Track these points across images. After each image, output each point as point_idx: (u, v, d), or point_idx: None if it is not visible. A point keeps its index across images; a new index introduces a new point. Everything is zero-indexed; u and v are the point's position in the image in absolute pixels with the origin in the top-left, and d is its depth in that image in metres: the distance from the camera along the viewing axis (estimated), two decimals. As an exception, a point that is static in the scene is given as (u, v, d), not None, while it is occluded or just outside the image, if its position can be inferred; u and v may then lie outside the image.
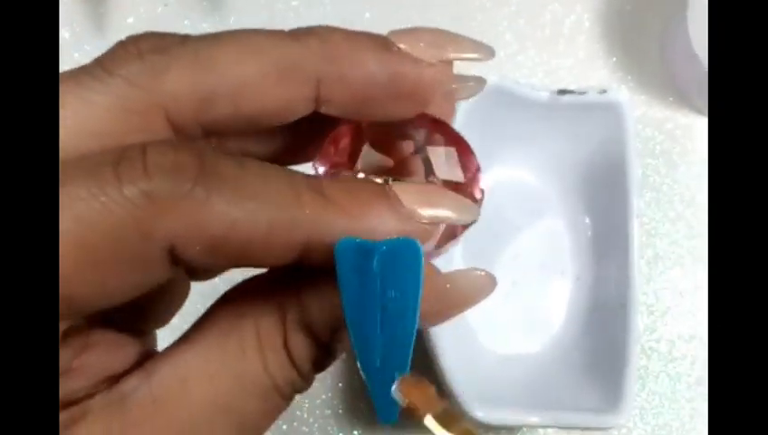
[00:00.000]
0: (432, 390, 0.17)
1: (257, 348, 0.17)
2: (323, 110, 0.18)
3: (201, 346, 0.17)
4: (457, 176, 0.20)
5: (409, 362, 0.17)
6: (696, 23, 0.39)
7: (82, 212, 0.15)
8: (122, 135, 0.17)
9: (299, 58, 0.18)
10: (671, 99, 0.44)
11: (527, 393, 0.36)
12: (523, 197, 0.40)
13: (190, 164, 0.16)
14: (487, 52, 0.19)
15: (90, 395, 0.17)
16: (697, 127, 0.43)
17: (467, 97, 0.20)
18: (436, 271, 0.18)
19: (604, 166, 0.38)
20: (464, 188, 0.20)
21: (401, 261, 0.16)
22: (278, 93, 0.18)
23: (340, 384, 0.40)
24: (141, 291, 0.17)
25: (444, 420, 0.16)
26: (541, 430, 0.40)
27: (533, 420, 0.34)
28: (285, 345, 0.17)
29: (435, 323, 0.19)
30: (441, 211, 0.18)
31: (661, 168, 0.43)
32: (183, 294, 0.22)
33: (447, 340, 0.33)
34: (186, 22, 0.44)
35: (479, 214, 0.19)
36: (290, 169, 0.17)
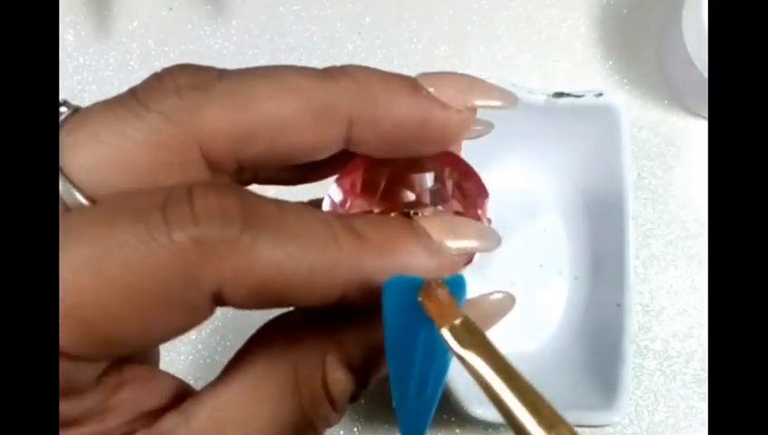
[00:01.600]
0: (451, 300, 0.16)
1: (295, 391, 0.17)
2: (350, 148, 0.19)
3: (237, 390, 0.17)
4: (465, 206, 0.20)
5: (440, 392, 0.17)
6: (690, 26, 0.40)
7: (131, 257, 0.15)
8: (157, 171, 0.17)
9: (334, 99, 0.18)
10: (666, 101, 0.44)
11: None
12: (520, 198, 0.41)
13: (236, 209, 0.16)
14: (512, 100, 0.20)
15: (127, 434, 0.17)
16: (692, 129, 0.44)
17: (473, 138, 0.20)
18: None
19: (600, 168, 0.38)
20: (474, 217, 0.20)
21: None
22: (313, 133, 0.18)
23: (341, 382, 0.40)
24: (183, 332, 0.17)
25: (459, 335, 0.16)
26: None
27: (531, 417, 0.34)
28: (324, 385, 0.18)
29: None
30: (467, 242, 0.18)
31: (656, 169, 0.43)
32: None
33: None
34: (189, 25, 0.44)
35: (500, 241, 0.19)
36: (321, 211, 0.18)
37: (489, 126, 0.21)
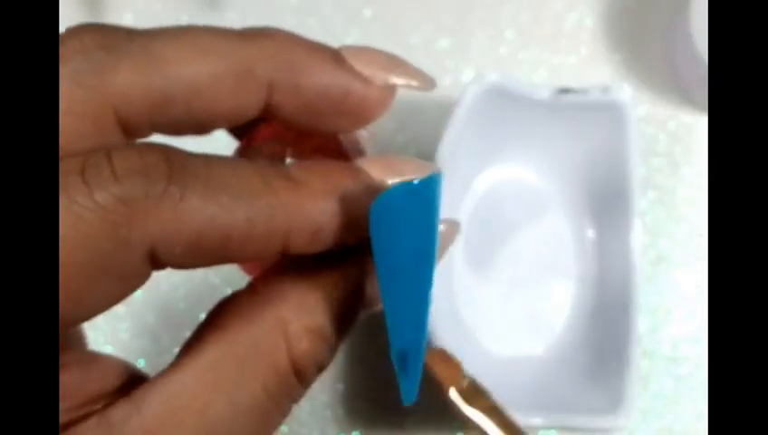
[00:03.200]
0: (458, 364, 0.16)
1: (254, 368, 0.17)
2: (268, 115, 0.18)
3: (194, 373, 0.17)
4: None
5: (427, 332, 0.17)
6: (697, 20, 0.39)
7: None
8: (70, 141, 0.16)
9: (254, 62, 0.17)
10: (674, 97, 0.43)
11: (530, 395, 0.36)
12: (524, 196, 0.40)
13: (160, 164, 0.15)
14: (430, 83, 0.20)
15: (73, 421, 0.16)
16: (700, 126, 0.43)
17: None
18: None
19: (606, 165, 0.38)
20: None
21: (423, 202, 0.16)
22: (232, 97, 0.17)
23: (340, 386, 0.40)
24: (121, 299, 0.16)
25: (468, 395, 0.16)
26: (543, 432, 0.40)
27: (536, 421, 0.34)
28: (289, 358, 0.17)
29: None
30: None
31: (664, 167, 0.43)
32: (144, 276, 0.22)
33: (450, 342, 0.33)
34: (184, 18, 0.43)
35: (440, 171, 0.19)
36: (254, 161, 0.17)
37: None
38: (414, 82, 0.19)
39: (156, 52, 0.17)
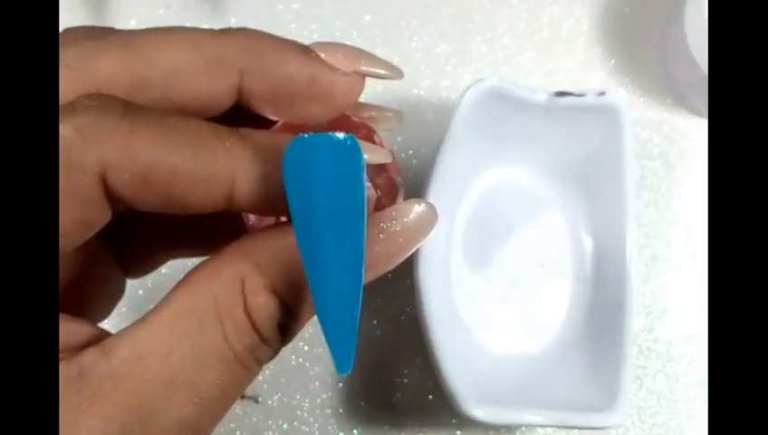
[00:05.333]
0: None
1: (215, 319, 0.18)
2: (245, 103, 0.20)
3: (159, 324, 0.18)
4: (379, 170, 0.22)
5: (359, 311, 0.17)
6: (693, 25, 0.39)
7: None
8: None
9: (225, 51, 0.19)
10: (669, 101, 0.44)
11: (526, 393, 0.37)
12: (521, 198, 0.40)
13: (116, 104, 0.17)
14: (397, 72, 0.21)
15: None
16: (695, 129, 0.43)
17: (388, 128, 0.22)
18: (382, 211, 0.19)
19: (602, 167, 0.38)
20: (385, 170, 0.22)
21: (343, 157, 0.16)
22: (204, 81, 0.19)
23: (340, 384, 0.40)
24: (85, 232, 0.18)
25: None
26: (540, 430, 0.41)
27: (532, 419, 0.34)
28: (246, 311, 0.18)
29: (387, 266, 0.19)
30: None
31: (659, 169, 0.43)
32: (119, 290, 0.23)
33: (447, 341, 0.34)
34: (187, 24, 0.44)
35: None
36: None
37: (399, 115, 0.23)
38: (381, 71, 0.21)
39: (136, 41, 0.19)
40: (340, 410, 0.40)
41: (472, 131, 0.36)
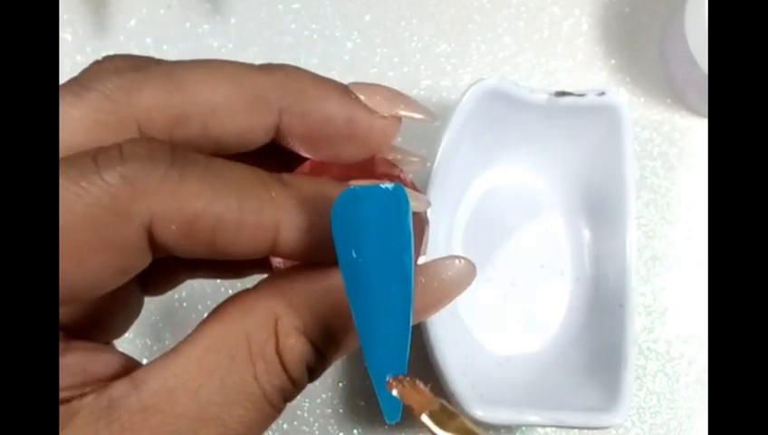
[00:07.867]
0: (425, 388, 0.17)
1: (246, 356, 0.17)
2: (281, 141, 0.20)
3: (190, 357, 0.18)
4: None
5: (407, 358, 0.17)
6: (693, 25, 0.39)
7: (63, 196, 0.16)
8: (95, 146, 0.17)
9: (265, 88, 0.19)
10: (669, 101, 0.44)
11: (526, 393, 0.37)
12: (521, 198, 0.40)
13: (164, 151, 0.17)
14: (431, 115, 0.21)
15: (74, 397, 0.17)
16: (695, 129, 0.43)
17: (412, 171, 0.22)
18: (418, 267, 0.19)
19: (602, 167, 0.38)
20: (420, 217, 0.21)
21: (392, 206, 0.16)
22: (243, 119, 0.19)
23: (341, 384, 0.40)
24: (123, 276, 0.17)
25: (440, 418, 0.16)
26: (540, 430, 0.41)
27: (532, 419, 0.34)
28: (277, 351, 0.18)
29: (423, 317, 0.20)
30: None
31: (659, 169, 0.43)
32: (137, 308, 0.23)
33: (447, 341, 0.34)
34: (187, 24, 0.44)
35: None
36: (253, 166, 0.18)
37: (424, 161, 0.23)
38: (417, 115, 0.21)
39: (177, 74, 0.18)
40: (340, 410, 0.40)
41: (472, 131, 0.36)
